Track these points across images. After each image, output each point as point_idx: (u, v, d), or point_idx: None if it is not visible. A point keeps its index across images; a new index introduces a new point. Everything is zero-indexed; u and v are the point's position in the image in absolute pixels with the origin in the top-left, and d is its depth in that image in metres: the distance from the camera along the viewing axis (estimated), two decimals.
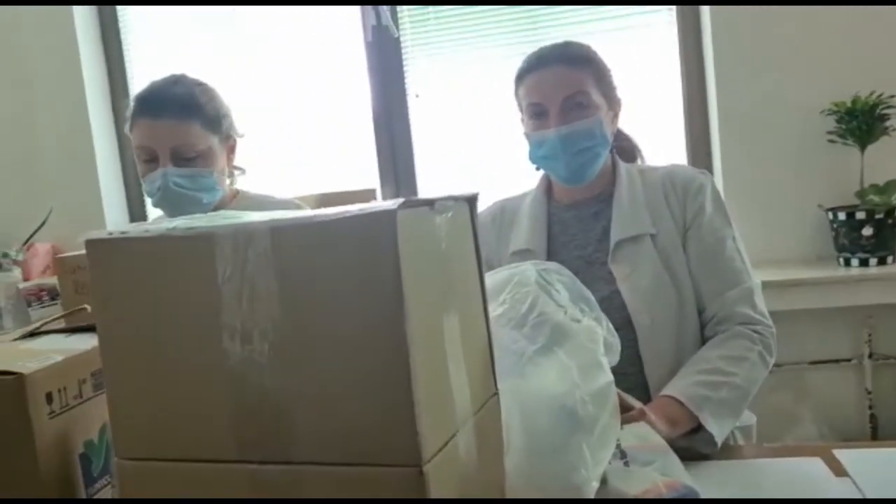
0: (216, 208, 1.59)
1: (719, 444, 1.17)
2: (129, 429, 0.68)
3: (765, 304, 1.37)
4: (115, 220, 2.83)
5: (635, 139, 1.57)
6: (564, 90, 1.35)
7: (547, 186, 1.49)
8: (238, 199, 1.70)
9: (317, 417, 0.63)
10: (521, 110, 1.44)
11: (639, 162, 1.54)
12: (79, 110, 2.79)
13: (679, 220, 1.36)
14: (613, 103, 1.43)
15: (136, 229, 0.66)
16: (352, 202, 2.38)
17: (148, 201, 2.53)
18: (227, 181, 1.69)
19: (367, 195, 2.56)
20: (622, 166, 1.45)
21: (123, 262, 0.65)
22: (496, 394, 0.79)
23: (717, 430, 1.16)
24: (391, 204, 0.59)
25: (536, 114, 1.38)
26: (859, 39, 2.28)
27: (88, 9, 2.85)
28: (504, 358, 0.82)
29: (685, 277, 1.34)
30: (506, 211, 1.51)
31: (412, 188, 2.75)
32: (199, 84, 1.62)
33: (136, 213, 2.92)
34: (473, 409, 0.74)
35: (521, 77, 1.41)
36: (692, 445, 1.16)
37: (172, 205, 1.55)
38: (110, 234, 0.65)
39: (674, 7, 2.50)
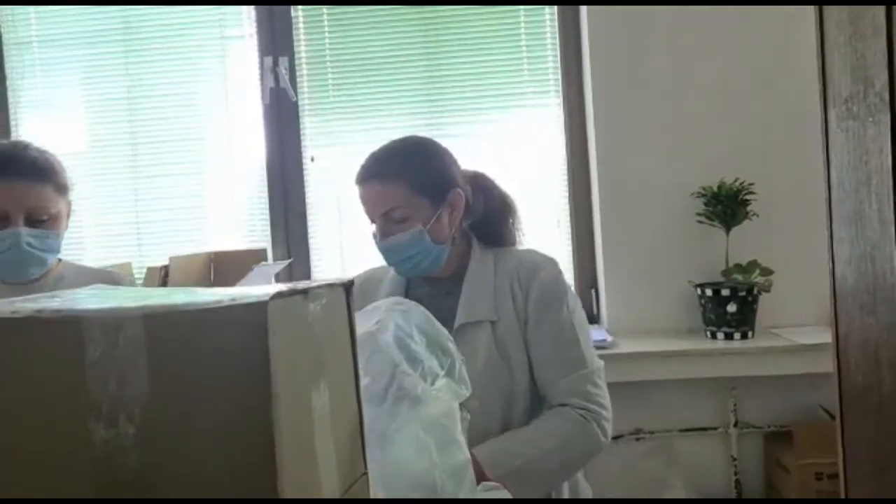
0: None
1: None
2: None
3: (605, 384, 1.44)
4: None
5: (518, 216, 1.60)
6: (380, 207, 1.43)
7: None
8: (62, 266, 1.72)
9: (181, 499, 0.64)
10: None
11: (507, 237, 1.57)
12: None
13: (521, 308, 1.43)
14: (446, 200, 1.45)
15: (2, 308, 0.65)
16: (242, 261, 2.37)
17: None
18: None
19: (259, 255, 2.55)
20: (477, 252, 1.50)
21: None
22: (365, 473, 0.81)
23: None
24: (263, 293, 0.62)
25: (369, 219, 1.49)
26: (725, 131, 2.48)
27: None
28: (367, 436, 0.85)
29: (520, 364, 1.41)
30: (372, 279, 1.57)
31: (304, 249, 2.75)
32: (48, 151, 1.65)
33: None
34: (341, 489, 0.76)
35: (355, 183, 1.50)
36: None
37: (18, 265, 1.56)
38: None
39: (560, 92, 2.65)
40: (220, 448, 0.63)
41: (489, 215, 1.54)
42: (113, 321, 0.63)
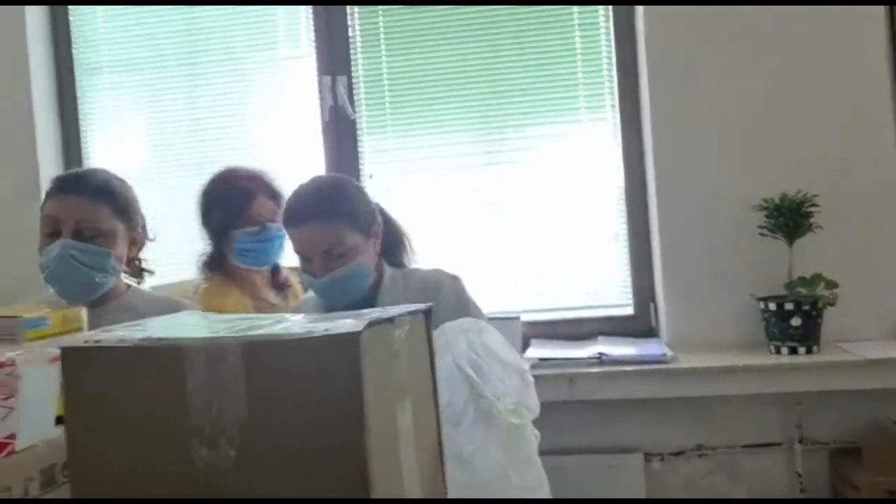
0: (106, 296, 1.63)
1: None
2: None
3: None
4: None
5: (408, 236, 1.72)
6: (322, 245, 1.50)
7: None
8: (130, 293, 1.72)
9: None
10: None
11: (407, 257, 1.68)
12: (30, 177, 2.77)
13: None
14: (371, 231, 1.58)
15: (109, 337, 0.70)
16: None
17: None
18: (126, 273, 1.73)
19: None
20: (387, 273, 1.60)
21: (96, 369, 0.69)
22: (445, 493, 0.83)
23: None
24: (356, 324, 0.65)
25: (304, 258, 1.54)
26: (786, 142, 2.45)
27: (46, 78, 2.87)
28: (445, 456, 0.87)
29: None
30: (300, 309, 1.67)
31: None
32: (119, 178, 1.69)
33: None
34: None
35: (284, 227, 1.57)
36: None
37: (63, 278, 1.57)
38: (85, 341, 0.69)
39: (616, 104, 2.65)
40: (314, 470, 0.66)
41: (393, 241, 1.66)
42: (214, 350, 0.66)
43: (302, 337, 0.65)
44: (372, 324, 0.67)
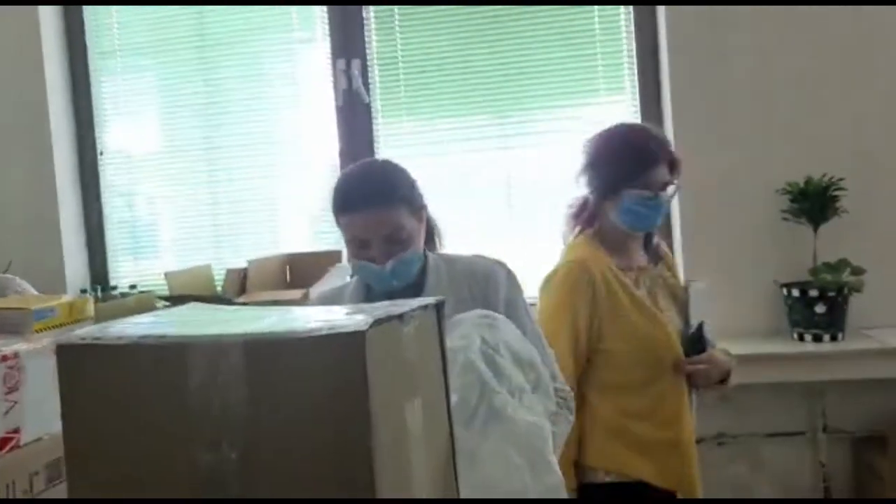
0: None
1: None
2: None
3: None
4: (75, 276, 2.80)
5: (436, 221, 1.64)
6: (384, 230, 1.43)
7: None
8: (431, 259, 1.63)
9: None
10: (343, 233, 1.51)
11: (438, 242, 1.61)
12: (44, 162, 2.77)
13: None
14: (421, 214, 1.52)
15: (108, 334, 0.67)
16: (317, 263, 2.37)
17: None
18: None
19: (333, 257, 2.57)
20: (431, 259, 1.53)
21: (93, 368, 0.66)
22: (457, 494, 0.80)
23: None
24: (362, 322, 0.61)
25: (361, 244, 1.46)
26: (811, 125, 2.38)
27: (59, 63, 2.85)
28: (458, 455, 0.84)
29: None
30: (337, 296, 1.59)
31: None
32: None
33: (98, 271, 2.89)
34: None
35: (338, 213, 1.49)
36: None
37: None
38: (82, 339, 0.66)
39: (637, 88, 2.59)
40: (318, 471, 0.63)
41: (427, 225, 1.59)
42: (215, 348, 0.63)
43: (305, 335, 0.61)
44: (379, 321, 0.63)
